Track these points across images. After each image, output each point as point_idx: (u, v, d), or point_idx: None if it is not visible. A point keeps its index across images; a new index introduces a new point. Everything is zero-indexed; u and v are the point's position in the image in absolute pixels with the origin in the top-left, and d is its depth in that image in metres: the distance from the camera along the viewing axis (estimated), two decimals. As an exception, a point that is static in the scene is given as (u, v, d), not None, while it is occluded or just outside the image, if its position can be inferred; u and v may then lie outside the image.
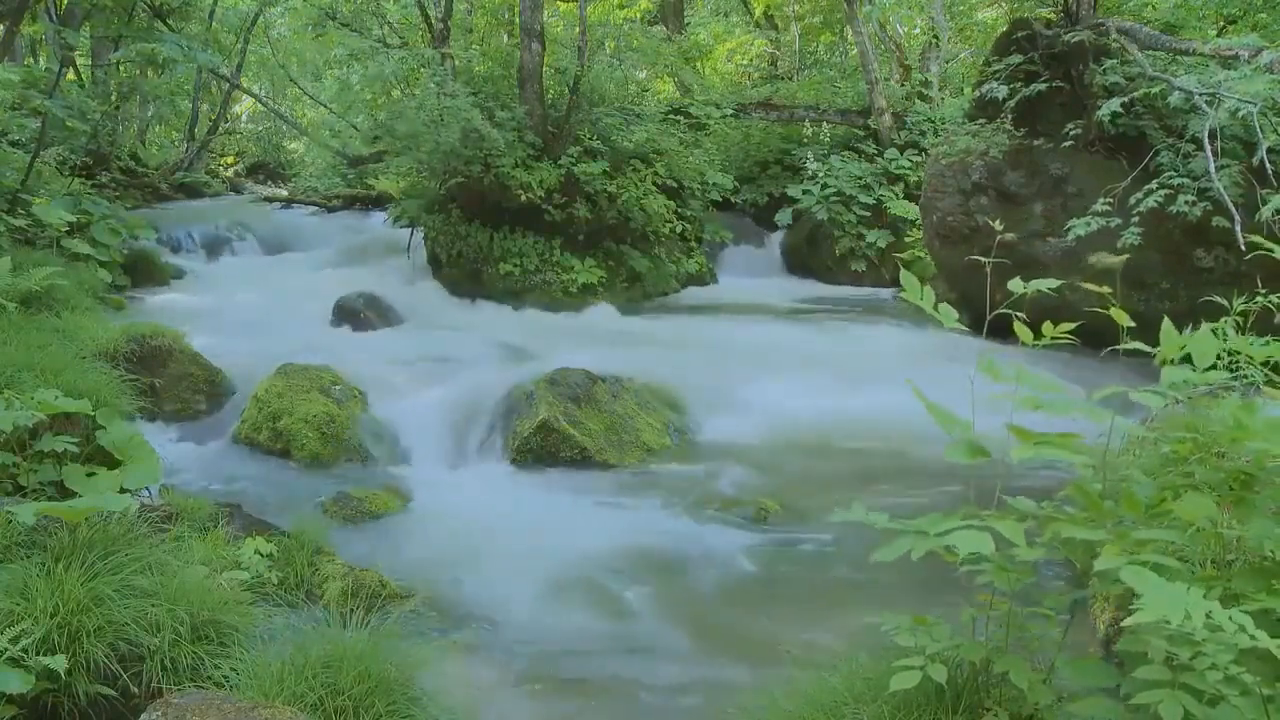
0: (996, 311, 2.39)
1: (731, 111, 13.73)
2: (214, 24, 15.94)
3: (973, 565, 2.27)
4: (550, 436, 5.77)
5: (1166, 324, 2.29)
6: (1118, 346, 2.44)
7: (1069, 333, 2.35)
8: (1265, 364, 2.42)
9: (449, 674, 3.12)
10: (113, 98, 15.19)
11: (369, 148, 13.60)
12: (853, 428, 6.17)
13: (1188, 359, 2.27)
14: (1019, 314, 2.36)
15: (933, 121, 13.11)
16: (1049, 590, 2.50)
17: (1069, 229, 7.62)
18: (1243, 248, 6.18)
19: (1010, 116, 8.51)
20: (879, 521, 2.30)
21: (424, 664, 2.79)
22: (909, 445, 5.72)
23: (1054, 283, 2.44)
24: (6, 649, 2.50)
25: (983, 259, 2.57)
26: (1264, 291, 3.28)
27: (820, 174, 12.52)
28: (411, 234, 11.53)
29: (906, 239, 11.76)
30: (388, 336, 8.68)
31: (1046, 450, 2.13)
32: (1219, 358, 2.33)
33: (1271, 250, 2.65)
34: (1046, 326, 2.37)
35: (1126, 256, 3.21)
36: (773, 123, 14.16)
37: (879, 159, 12.82)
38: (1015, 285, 2.43)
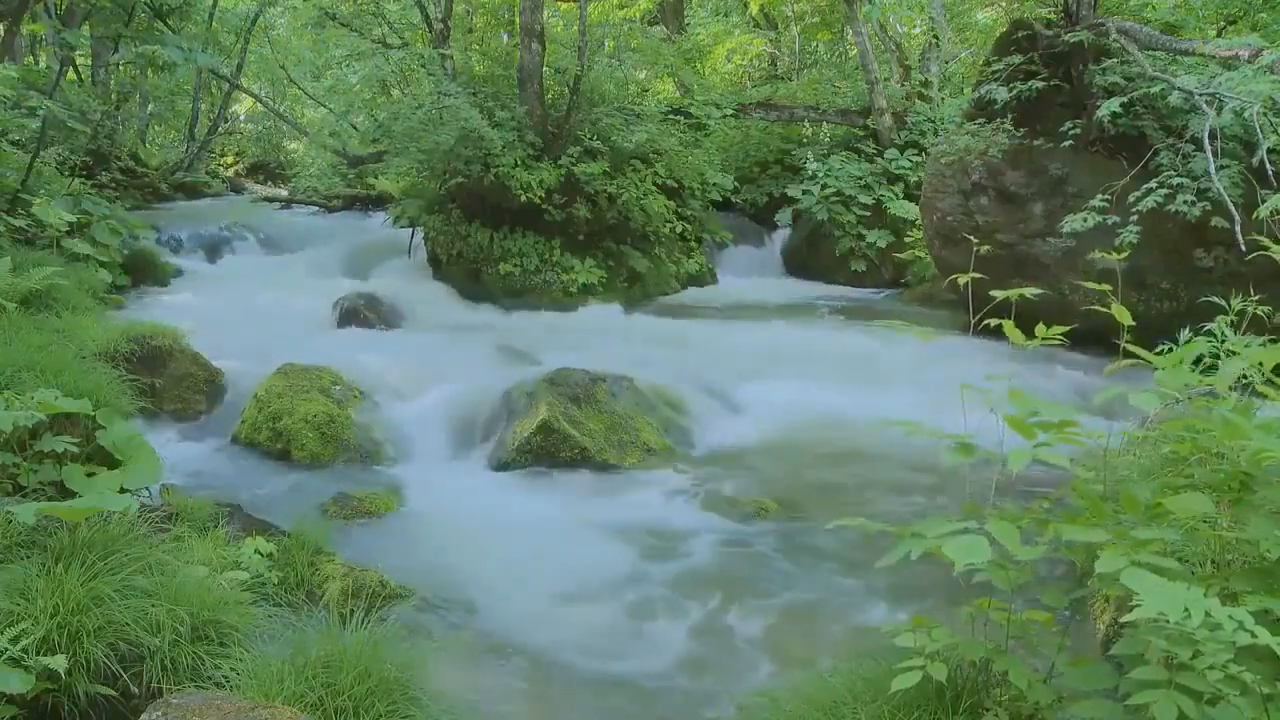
0: (982, 315, 2.40)
1: (731, 111, 13.72)
2: (214, 24, 15.94)
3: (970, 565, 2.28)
4: (550, 436, 5.77)
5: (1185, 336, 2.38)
6: (1119, 346, 2.45)
7: (1062, 334, 2.37)
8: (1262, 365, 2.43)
9: (449, 674, 3.12)
10: (113, 98, 15.20)
11: (368, 148, 13.60)
12: (852, 428, 6.17)
13: (1195, 360, 2.30)
14: (1005, 319, 2.39)
15: (933, 121, 13.11)
16: (1049, 587, 2.51)
17: (1064, 225, 7.62)
18: (1243, 248, 6.19)
19: (1010, 116, 8.51)
20: (877, 529, 2.31)
21: (424, 664, 2.79)
22: (908, 445, 5.70)
23: (1037, 290, 2.48)
24: (6, 649, 2.50)
25: (961, 276, 2.59)
26: (1259, 297, 3.30)
27: (820, 174, 12.52)
28: (412, 234, 11.53)
29: (906, 239, 11.76)
30: (388, 336, 8.68)
31: (1044, 455, 2.15)
32: (1216, 358, 2.35)
33: (1269, 249, 2.66)
34: (1040, 328, 2.39)
35: (1126, 254, 3.22)
36: (773, 123, 14.15)
37: (879, 159, 12.82)
38: (1000, 292, 2.47)
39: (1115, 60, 8.19)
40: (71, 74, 13.49)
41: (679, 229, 11.71)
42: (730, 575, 4.39)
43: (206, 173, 18.52)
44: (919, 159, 12.32)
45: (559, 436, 5.78)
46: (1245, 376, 2.45)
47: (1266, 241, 2.83)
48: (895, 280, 12.15)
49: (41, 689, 2.59)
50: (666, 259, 11.63)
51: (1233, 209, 6.70)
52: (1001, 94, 8.30)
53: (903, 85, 14.14)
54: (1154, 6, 10.33)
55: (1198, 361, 2.66)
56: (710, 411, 6.67)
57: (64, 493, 3.75)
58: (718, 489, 5.42)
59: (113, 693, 2.70)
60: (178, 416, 6.11)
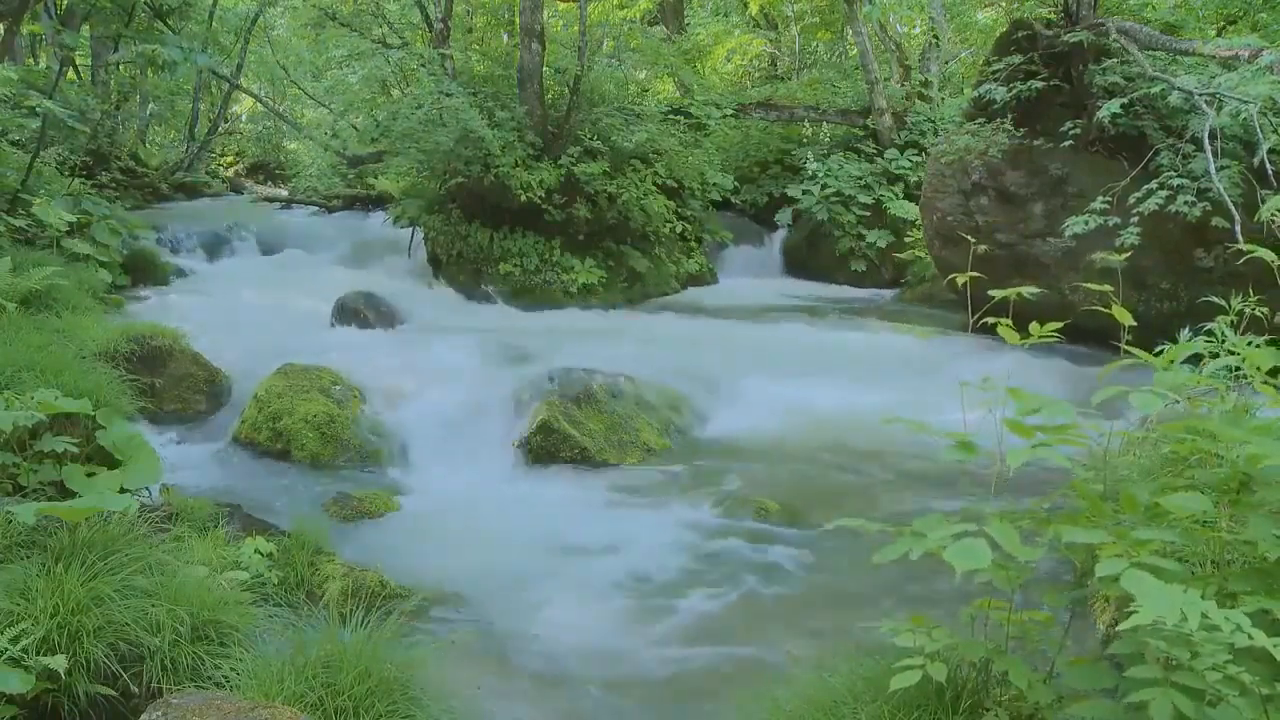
0: (980, 315, 2.40)
1: (731, 111, 13.72)
2: (214, 24, 15.94)
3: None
4: (550, 436, 5.77)
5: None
6: (1119, 347, 2.45)
7: (1058, 330, 2.38)
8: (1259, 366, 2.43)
9: (449, 674, 3.12)
10: (113, 98, 15.19)
11: (368, 148, 13.61)
12: (852, 427, 6.17)
13: (1194, 359, 2.30)
14: (1004, 319, 2.39)
15: (933, 121, 13.11)
16: (1049, 587, 2.51)
17: (1066, 227, 7.63)
18: (1242, 248, 6.18)
19: (1010, 116, 8.51)
20: (877, 529, 2.32)
21: (424, 664, 2.79)
22: (908, 444, 5.71)
23: (1036, 289, 2.48)
24: (6, 649, 2.50)
25: (961, 276, 2.59)
26: (1259, 297, 3.30)
27: (820, 174, 12.52)
28: (412, 234, 11.53)
29: (906, 239, 11.77)
30: (388, 336, 8.68)
31: (1044, 452, 2.15)
32: (1217, 357, 2.35)
33: (1254, 251, 2.67)
34: (1034, 325, 2.39)
35: (1128, 255, 3.24)
36: (773, 123, 14.16)
37: (879, 159, 12.83)
38: (998, 292, 2.47)
39: (1115, 60, 8.19)
40: (71, 74, 13.48)
41: (679, 229, 11.72)
42: (731, 575, 4.39)
43: (206, 173, 18.50)
44: (919, 159, 12.32)
45: (559, 436, 5.78)
46: (1243, 375, 2.45)
47: (1250, 246, 2.83)
48: (895, 280, 12.16)
49: (41, 689, 2.59)
50: (666, 259, 11.63)
51: (1233, 209, 6.70)
52: (1001, 94, 8.30)
53: (903, 85, 14.14)
54: (1154, 6, 10.33)
55: (1197, 361, 2.67)
56: (710, 411, 6.67)
57: (64, 493, 3.75)
58: (718, 489, 5.42)
59: (113, 693, 2.70)
60: (178, 416, 6.11)
